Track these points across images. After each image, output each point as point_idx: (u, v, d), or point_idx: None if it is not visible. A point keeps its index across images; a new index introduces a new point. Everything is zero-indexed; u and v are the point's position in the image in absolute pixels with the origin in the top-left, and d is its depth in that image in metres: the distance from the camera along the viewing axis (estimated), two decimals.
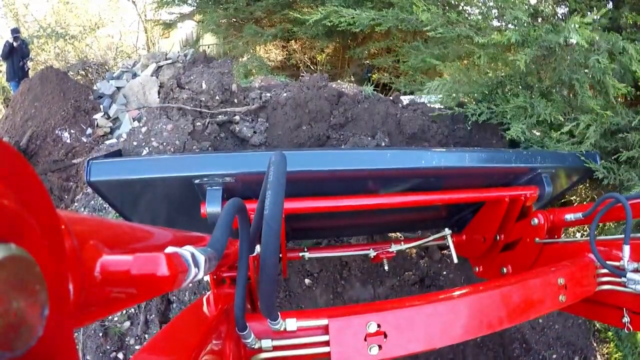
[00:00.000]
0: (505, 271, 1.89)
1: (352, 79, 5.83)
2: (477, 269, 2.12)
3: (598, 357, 3.14)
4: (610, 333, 3.17)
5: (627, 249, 1.18)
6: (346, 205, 1.51)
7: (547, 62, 1.92)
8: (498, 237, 1.88)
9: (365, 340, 0.92)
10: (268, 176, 0.71)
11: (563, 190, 2.17)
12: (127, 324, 2.64)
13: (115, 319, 2.63)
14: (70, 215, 0.36)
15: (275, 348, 0.90)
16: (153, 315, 2.67)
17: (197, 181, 1.31)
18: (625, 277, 1.17)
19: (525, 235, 1.73)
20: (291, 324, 0.89)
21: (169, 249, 0.47)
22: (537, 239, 1.66)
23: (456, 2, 2.39)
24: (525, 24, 1.84)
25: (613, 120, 1.91)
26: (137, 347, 2.62)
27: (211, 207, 1.29)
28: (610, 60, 1.66)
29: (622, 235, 1.19)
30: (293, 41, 6.35)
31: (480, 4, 2.18)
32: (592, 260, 1.30)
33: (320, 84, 2.33)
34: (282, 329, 0.87)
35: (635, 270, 1.17)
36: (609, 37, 1.67)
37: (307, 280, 2.85)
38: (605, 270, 1.26)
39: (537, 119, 2.11)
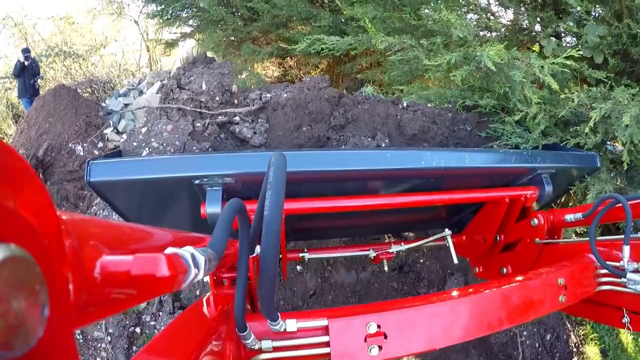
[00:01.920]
0: (505, 272, 1.89)
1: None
2: (477, 269, 2.12)
3: (572, 337, 3.20)
4: None
5: (627, 249, 1.18)
6: (346, 206, 1.51)
7: (489, 75, 2.18)
8: (498, 238, 1.88)
9: (365, 340, 0.92)
10: (268, 177, 0.71)
11: (563, 191, 2.17)
12: (144, 303, 2.91)
13: None
14: (70, 215, 0.36)
15: (276, 349, 0.90)
16: (167, 296, 2.97)
17: (197, 182, 1.31)
18: (625, 277, 1.17)
19: (526, 236, 1.73)
20: (291, 324, 0.89)
21: (169, 250, 0.47)
22: (537, 239, 1.66)
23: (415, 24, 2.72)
24: (467, 44, 2.11)
25: (556, 111, 2.08)
26: (152, 322, 3.00)
27: (211, 208, 1.29)
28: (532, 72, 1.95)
29: (622, 236, 1.19)
30: (289, 58, 6.61)
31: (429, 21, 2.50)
32: (592, 260, 1.30)
33: (320, 85, 2.33)
34: (282, 329, 0.87)
35: (635, 271, 1.17)
36: (527, 55, 1.95)
37: (298, 267, 3.37)
38: (605, 271, 1.26)
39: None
